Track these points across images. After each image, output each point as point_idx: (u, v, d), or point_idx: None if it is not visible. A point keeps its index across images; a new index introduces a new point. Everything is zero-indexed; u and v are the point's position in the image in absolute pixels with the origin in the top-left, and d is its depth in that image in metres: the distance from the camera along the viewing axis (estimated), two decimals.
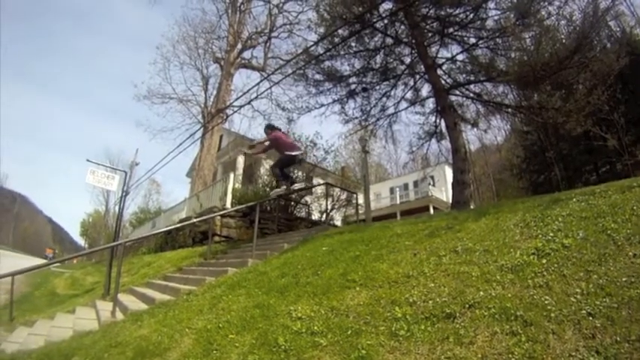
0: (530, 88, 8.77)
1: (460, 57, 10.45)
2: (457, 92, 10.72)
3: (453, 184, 9.51)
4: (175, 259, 8.48)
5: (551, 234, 2.71)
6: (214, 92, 18.01)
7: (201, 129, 15.54)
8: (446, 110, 9.89)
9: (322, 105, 11.22)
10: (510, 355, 1.73)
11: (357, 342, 2.20)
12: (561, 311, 1.88)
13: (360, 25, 9.56)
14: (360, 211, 10.78)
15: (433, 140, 11.70)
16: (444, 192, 25.03)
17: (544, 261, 2.39)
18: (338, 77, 10.87)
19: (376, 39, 10.71)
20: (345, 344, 2.24)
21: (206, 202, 11.44)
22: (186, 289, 4.93)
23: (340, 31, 9.70)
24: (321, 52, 9.92)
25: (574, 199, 3.33)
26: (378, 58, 11.04)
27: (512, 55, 9.03)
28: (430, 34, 10.32)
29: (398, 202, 26.34)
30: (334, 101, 11.29)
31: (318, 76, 10.97)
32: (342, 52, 10.58)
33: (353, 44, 10.54)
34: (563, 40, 8.18)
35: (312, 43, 11.34)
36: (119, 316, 4.76)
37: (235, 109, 15.36)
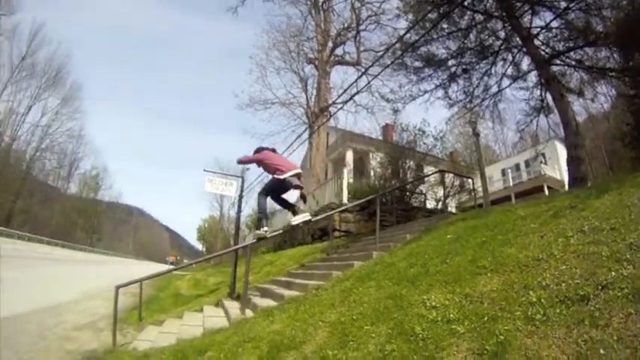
0: (634, 47, 7.66)
1: (554, 24, 9.61)
2: (558, 62, 9.84)
3: (567, 161, 8.75)
4: (297, 257, 8.89)
5: None
6: (314, 92, 18.44)
7: (307, 129, 16.00)
8: (550, 82, 9.12)
9: (425, 92, 11.17)
10: None
11: (494, 328, 2.23)
12: None
13: (447, 6, 9.27)
14: (475, 196, 10.39)
15: (541, 116, 10.94)
16: (557, 170, 22.45)
17: None
18: (436, 62, 10.73)
19: (466, 17, 10.31)
20: (482, 330, 2.26)
21: (322, 199, 11.89)
22: (313, 284, 5.03)
23: (430, 15, 9.51)
24: (415, 38, 9.85)
25: None
26: (472, 37, 10.65)
27: (607, 14, 8.18)
28: (519, 4, 9.56)
29: (511, 184, 24.49)
30: (437, 86, 11.14)
31: (417, 63, 10.96)
32: (435, 36, 10.40)
33: (444, 26, 10.26)
34: None
35: (403, 31, 11.36)
36: (248, 313, 4.88)
37: (338, 106, 15.56)
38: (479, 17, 10.12)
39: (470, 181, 10.91)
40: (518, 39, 9.83)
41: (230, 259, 9.80)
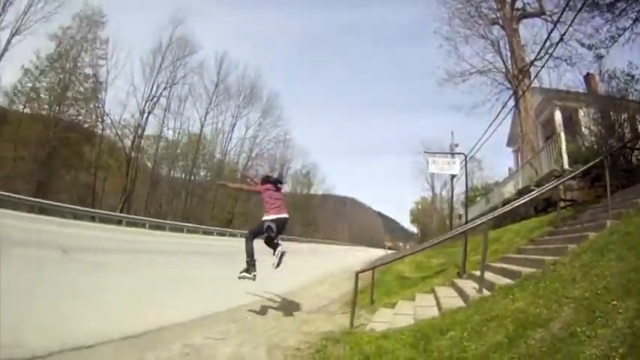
0: None
1: None
2: None
3: None
4: (523, 231, 8.43)
5: None
6: (508, 54, 17.17)
7: (512, 95, 15.03)
8: None
9: (624, 29, 9.72)
10: None
11: None
12: None
13: None
14: None
15: None
16: None
17: None
18: None
19: None
20: None
21: (540, 168, 11.08)
22: (549, 259, 4.73)
23: None
24: None
25: None
26: None
27: None
28: None
29: None
30: (634, 21, 9.53)
31: None
32: None
33: None
34: None
35: None
36: (484, 292, 4.78)
37: (537, 64, 14.00)
38: None
39: None
40: None
41: (451, 239, 9.84)
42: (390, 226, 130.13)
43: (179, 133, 36.33)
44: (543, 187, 7.88)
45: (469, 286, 5.37)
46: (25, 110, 26.89)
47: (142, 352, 3.61)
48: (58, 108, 26.96)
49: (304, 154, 57.41)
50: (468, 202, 22.74)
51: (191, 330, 4.56)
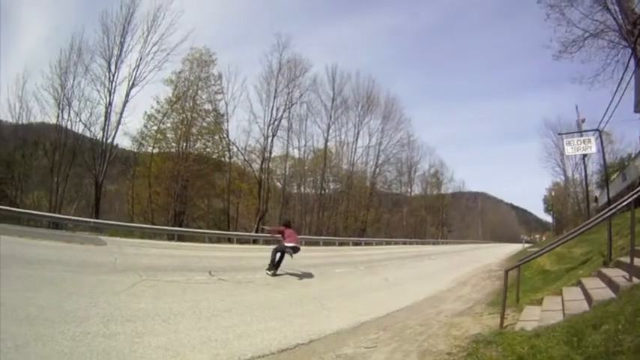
0: None
1: None
2: None
3: None
4: None
5: None
6: (615, 8, 14.67)
7: (632, 54, 13.14)
8: None
9: None
10: None
11: None
12: None
13: None
14: None
15: None
16: None
17: None
18: None
19: None
20: None
21: None
22: None
23: None
24: None
25: None
26: None
27: None
28: None
29: None
30: None
31: None
32: None
33: None
34: None
35: None
36: (635, 280, 4.47)
37: None
38: None
39: None
40: None
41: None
42: (524, 217, 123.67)
43: (304, 150, 37.98)
44: None
45: (618, 274, 5.08)
46: (154, 150, 29.44)
47: None
48: (185, 144, 29.17)
49: (430, 153, 56.45)
50: (604, 181, 19.91)
51: (342, 340, 4.87)
